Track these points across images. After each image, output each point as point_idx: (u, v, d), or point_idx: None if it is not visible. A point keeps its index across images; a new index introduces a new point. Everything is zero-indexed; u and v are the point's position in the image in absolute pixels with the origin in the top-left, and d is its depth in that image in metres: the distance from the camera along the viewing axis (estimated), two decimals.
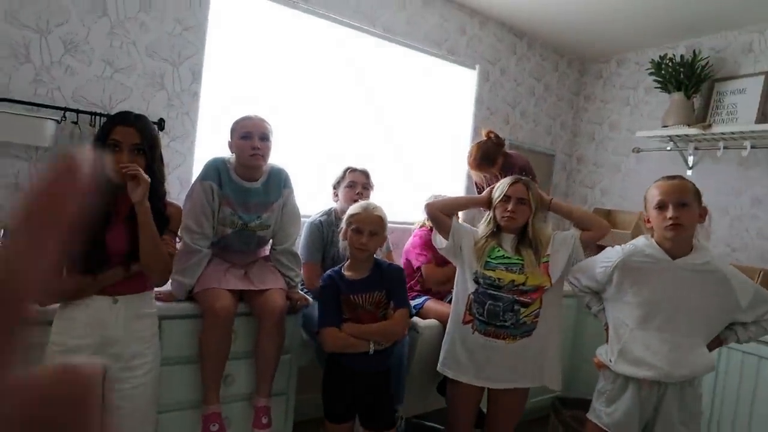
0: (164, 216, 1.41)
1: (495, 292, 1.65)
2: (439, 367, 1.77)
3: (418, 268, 2.27)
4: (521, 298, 1.64)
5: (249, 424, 1.75)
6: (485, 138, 2.28)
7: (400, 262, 2.42)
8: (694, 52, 2.89)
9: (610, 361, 1.53)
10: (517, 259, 1.68)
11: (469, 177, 3.08)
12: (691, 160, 2.98)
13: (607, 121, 3.52)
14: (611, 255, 1.59)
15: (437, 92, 2.98)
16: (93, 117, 1.86)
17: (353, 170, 2.17)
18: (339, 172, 2.20)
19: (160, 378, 1.47)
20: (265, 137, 1.74)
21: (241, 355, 1.73)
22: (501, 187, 1.74)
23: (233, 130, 1.75)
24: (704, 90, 2.91)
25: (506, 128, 3.28)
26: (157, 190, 1.38)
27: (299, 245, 2.09)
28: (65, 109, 1.80)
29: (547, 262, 1.70)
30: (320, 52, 2.51)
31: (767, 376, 1.81)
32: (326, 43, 2.52)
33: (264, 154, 1.74)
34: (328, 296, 1.61)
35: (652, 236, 1.54)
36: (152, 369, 1.41)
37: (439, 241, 1.80)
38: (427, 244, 2.26)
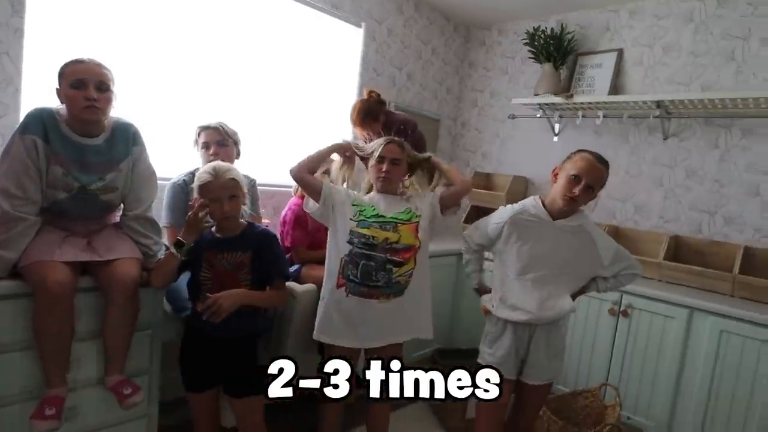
0: None
1: (369, 252, 1.67)
2: (314, 335, 1.77)
3: (289, 247, 2.22)
4: (394, 257, 1.67)
5: (100, 414, 1.59)
6: (367, 96, 2.28)
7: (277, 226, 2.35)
8: (562, 26, 3.12)
9: (493, 306, 1.70)
10: (391, 218, 1.72)
11: (355, 138, 3.07)
12: (557, 127, 3.27)
13: (488, 88, 3.71)
14: (503, 213, 1.73)
15: (322, 49, 2.87)
16: None
17: (205, 128, 2.00)
18: (194, 134, 2.03)
19: None
20: (103, 86, 1.48)
21: (86, 336, 1.54)
22: (374, 147, 1.75)
23: (62, 75, 1.46)
24: (570, 62, 3.18)
25: (393, 90, 3.30)
26: None
27: (163, 207, 1.93)
28: None
29: (417, 222, 1.76)
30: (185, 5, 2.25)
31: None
32: None
33: (102, 107, 1.49)
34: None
35: (540, 197, 1.72)
36: None
37: (311, 205, 1.77)
38: (299, 221, 2.21)
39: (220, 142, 1.99)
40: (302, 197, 2.26)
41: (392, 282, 1.68)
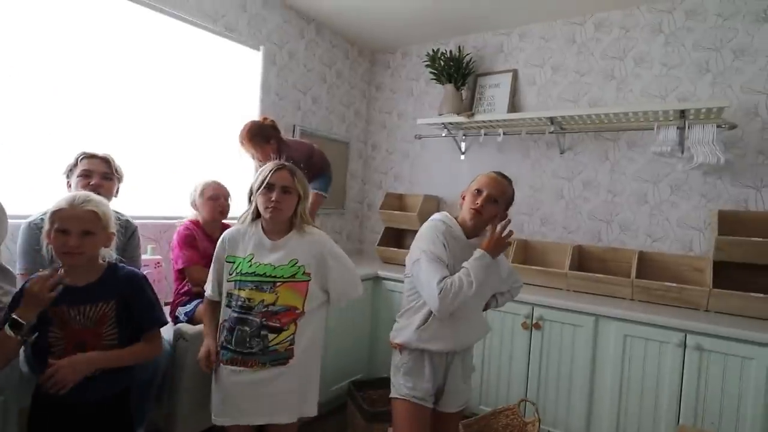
0: None
1: (244, 315, 1.51)
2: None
3: (182, 270, 2.02)
4: (269, 323, 1.50)
5: None
6: (261, 120, 2.25)
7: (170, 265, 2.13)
8: (460, 48, 3.21)
9: (407, 338, 1.57)
10: (269, 275, 1.53)
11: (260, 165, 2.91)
12: (463, 145, 3.32)
13: (395, 109, 3.72)
14: (436, 231, 1.57)
15: (220, 74, 2.70)
16: None
17: (89, 156, 1.81)
18: (72, 159, 1.80)
19: None
20: None
21: None
22: (261, 174, 1.57)
23: None
24: (470, 83, 3.27)
25: (298, 114, 3.19)
26: None
27: (17, 251, 1.67)
28: None
29: (307, 282, 1.57)
30: (64, 14, 2.03)
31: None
32: (71, 5, 2.05)
33: None
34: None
35: (456, 216, 1.65)
36: None
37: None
38: (187, 241, 2.03)
39: (105, 174, 1.81)
40: (192, 221, 2.10)
41: (268, 350, 1.50)
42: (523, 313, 2.42)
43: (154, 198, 2.39)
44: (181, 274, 2.03)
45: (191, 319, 1.93)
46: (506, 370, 2.49)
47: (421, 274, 1.53)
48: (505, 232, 1.55)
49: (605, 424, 2.21)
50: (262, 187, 1.54)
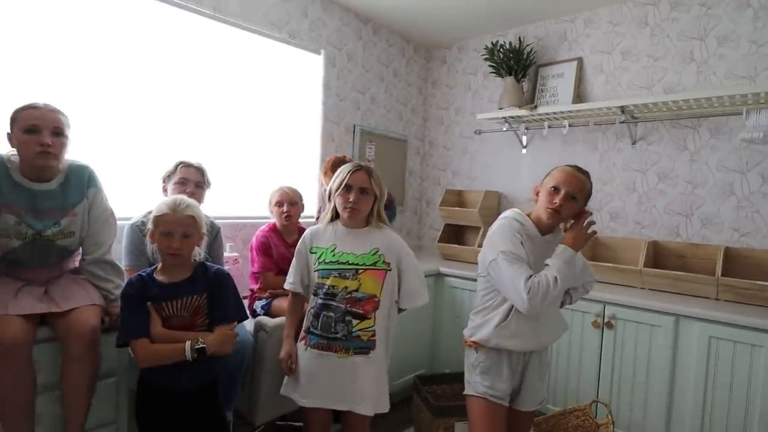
0: None
1: (329, 302, 1.58)
2: (281, 390, 1.67)
3: (257, 273, 2.16)
4: (353, 309, 1.57)
5: None
6: (342, 157, 2.44)
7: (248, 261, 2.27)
8: (520, 39, 3.12)
9: (489, 338, 1.55)
10: (352, 263, 1.60)
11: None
12: (524, 139, 3.23)
13: (453, 105, 3.67)
14: (511, 229, 1.54)
15: (283, 79, 2.80)
16: None
17: (186, 165, 1.95)
18: (170, 166, 1.96)
19: None
20: (58, 132, 1.46)
21: (48, 389, 1.47)
22: (340, 176, 1.62)
23: (14, 120, 1.44)
24: (531, 74, 3.17)
25: (358, 114, 3.24)
26: None
27: (122, 251, 1.84)
28: None
29: (387, 270, 1.62)
30: (141, 30, 2.20)
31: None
32: (153, 21, 2.23)
33: (56, 153, 1.46)
34: (132, 302, 1.40)
35: (529, 213, 1.60)
36: None
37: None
38: (262, 248, 2.18)
39: (198, 183, 1.96)
40: (270, 227, 2.21)
41: (352, 335, 1.57)
42: (593, 311, 2.31)
43: (231, 199, 2.54)
44: (256, 275, 2.18)
45: (267, 312, 2.07)
46: (575, 370, 2.40)
47: (502, 274, 1.49)
48: (591, 230, 1.52)
49: (687, 431, 2.07)
50: (341, 188, 1.60)
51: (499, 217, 1.64)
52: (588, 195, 1.57)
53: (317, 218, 2.54)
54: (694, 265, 2.45)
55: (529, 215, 1.60)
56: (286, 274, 2.11)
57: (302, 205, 2.30)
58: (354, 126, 3.20)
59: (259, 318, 1.98)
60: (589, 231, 1.52)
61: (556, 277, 1.43)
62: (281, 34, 2.73)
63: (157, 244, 1.42)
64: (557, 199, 1.50)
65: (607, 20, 2.91)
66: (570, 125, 2.87)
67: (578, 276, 1.65)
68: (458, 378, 2.60)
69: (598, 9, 2.93)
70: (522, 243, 1.51)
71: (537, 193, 1.60)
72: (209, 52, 2.46)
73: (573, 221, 1.57)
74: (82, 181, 1.59)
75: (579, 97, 2.98)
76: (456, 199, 3.45)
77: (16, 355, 1.33)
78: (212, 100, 2.49)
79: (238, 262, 2.35)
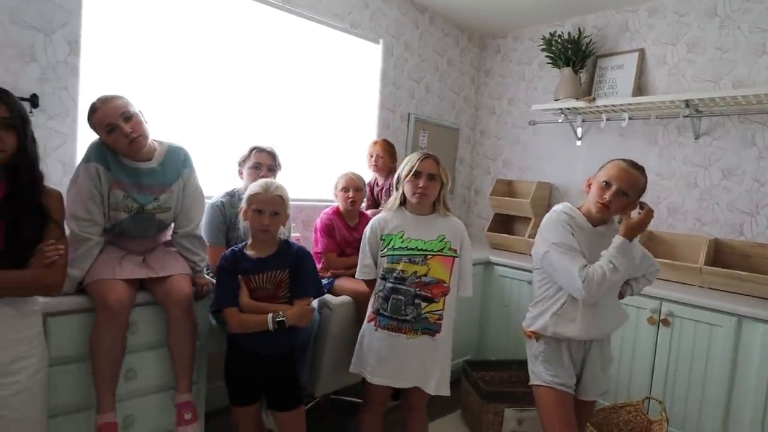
0: (40, 206, 1.26)
1: (399, 285, 1.65)
2: (351, 367, 1.77)
3: (320, 253, 2.26)
4: (422, 292, 1.64)
5: (156, 420, 1.68)
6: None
7: (311, 241, 2.37)
8: (579, 29, 3.07)
9: (543, 326, 1.60)
10: (420, 249, 1.67)
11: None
12: (579, 131, 3.20)
13: (505, 95, 3.66)
14: (560, 222, 1.57)
15: (343, 67, 2.88)
16: None
17: (260, 150, 2.05)
18: (245, 151, 2.07)
19: (48, 380, 1.34)
20: (127, 115, 1.56)
21: (143, 347, 1.64)
22: (409, 163, 1.70)
23: (95, 127, 1.58)
24: (589, 65, 3.12)
25: (412, 103, 3.28)
26: (32, 175, 1.25)
27: (203, 227, 1.96)
28: None
29: (455, 257, 1.70)
30: (218, 22, 2.33)
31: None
32: (224, 12, 2.34)
33: (140, 132, 1.58)
34: (226, 274, 1.56)
35: (580, 206, 1.63)
36: (38, 372, 1.27)
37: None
38: (327, 230, 2.27)
39: (270, 167, 2.06)
40: (334, 210, 2.30)
41: (420, 317, 1.65)
42: (649, 307, 2.31)
43: (292, 181, 2.62)
44: (318, 255, 2.26)
45: (329, 291, 2.16)
46: (627, 365, 2.41)
47: (556, 265, 1.55)
48: (647, 219, 1.52)
49: None
50: (410, 175, 1.67)
51: (550, 211, 1.67)
52: (641, 191, 1.57)
53: (366, 207, 2.61)
54: (759, 265, 2.40)
55: (579, 208, 1.63)
56: (346, 255, 2.24)
57: (366, 191, 2.37)
58: (408, 114, 3.24)
59: (324, 296, 2.05)
60: (646, 222, 1.52)
61: (613, 266, 1.47)
62: (343, 24, 2.79)
63: (249, 221, 1.56)
64: (608, 195, 1.52)
65: (673, 10, 2.83)
66: (629, 118, 2.83)
67: (638, 266, 1.65)
68: (506, 365, 2.67)
69: None
70: (573, 234, 1.55)
71: (589, 185, 1.62)
72: (277, 41, 2.56)
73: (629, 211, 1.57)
74: (178, 161, 1.73)
75: (639, 89, 2.93)
76: (506, 189, 3.46)
77: (119, 315, 1.49)
78: (279, 87, 2.59)
79: (300, 241, 2.45)
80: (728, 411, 2.11)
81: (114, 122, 1.53)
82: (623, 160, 1.59)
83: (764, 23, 2.50)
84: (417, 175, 1.67)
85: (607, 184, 1.53)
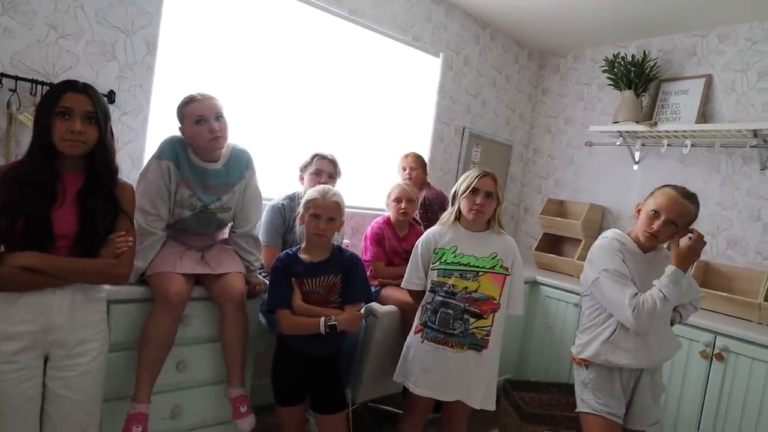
0: (114, 198, 1.32)
1: (448, 300, 1.66)
2: (395, 376, 1.78)
3: (369, 261, 2.29)
4: (471, 308, 1.65)
5: (203, 412, 1.71)
6: None
7: (359, 248, 2.43)
8: (644, 52, 3.03)
9: (596, 353, 1.59)
10: (473, 265, 1.68)
11: (431, 163, 3.12)
12: (637, 155, 3.15)
13: (562, 114, 3.64)
14: (612, 248, 1.58)
15: (402, 79, 2.96)
16: (33, 85, 1.72)
17: (321, 157, 2.11)
18: (307, 157, 2.14)
19: (106, 365, 1.39)
20: (220, 116, 1.66)
21: (195, 341, 1.69)
22: (468, 178, 1.72)
23: (183, 116, 1.64)
24: (652, 89, 3.07)
25: (468, 117, 3.32)
26: (109, 167, 1.31)
27: (261, 227, 2.04)
28: (1, 75, 1.66)
29: (506, 275, 1.70)
30: (285, 30, 2.44)
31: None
32: (292, 21, 2.45)
33: (224, 135, 1.67)
34: (279, 276, 1.59)
35: (629, 231, 1.64)
36: (99, 355, 1.33)
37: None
38: (377, 239, 2.30)
39: (330, 174, 2.10)
40: (385, 219, 2.36)
41: (468, 332, 1.65)
42: (702, 340, 2.24)
43: (344, 188, 2.70)
44: (367, 263, 2.31)
45: (376, 299, 2.18)
46: (675, 398, 2.34)
47: (606, 292, 1.55)
48: (698, 247, 1.51)
49: None
50: (468, 191, 1.69)
51: (599, 237, 1.68)
52: (691, 220, 1.56)
53: (420, 217, 2.66)
54: None
55: (629, 233, 1.63)
56: (394, 265, 2.27)
57: (417, 203, 2.41)
58: (463, 128, 3.29)
59: (371, 304, 2.07)
60: (697, 249, 1.51)
61: (663, 296, 1.47)
62: (406, 36, 2.88)
63: (305, 225, 1.60)
64: (656, 225, 1.52)
65: (745, 37, 2.75)
66: (692, 145, 2.76)
67: (685, 293, 1.64)
68: (547, 387, 2.64)
69: (735, 25, 2.78)
70: (624, 261, 1.55)
71: (639, 211, 1.62)
72: (341, 51, 2.66)
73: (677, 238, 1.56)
74: (242, 163, 1.78)
75: (704, 116, 2.86)
76: (557, 208, 3.43)
77: (177, 307, 1.54)
78: (341, 95, 2.69)
79: (348, 248, 2.52)
80: None
81: (206, 115, 1.61)
82: (674, 187, 1.58)
83: None
84: (474, 191, 1.69)
85: (656, 213, 1.54)
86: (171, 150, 1.65)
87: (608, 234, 1.66)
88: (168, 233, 1.71)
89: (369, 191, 2.83)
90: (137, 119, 2.02)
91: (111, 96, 1.90)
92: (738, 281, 2.59)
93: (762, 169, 2.64)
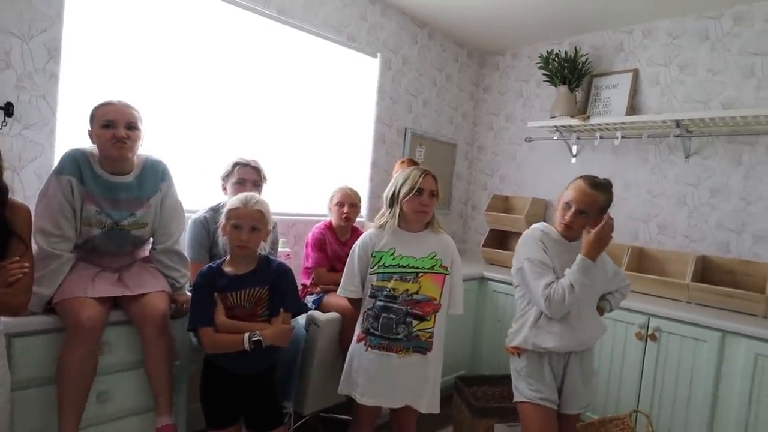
0: (4, 220, 1.19)
1: (390, 304, 1.63)
2: (339, 388, 1.73)
3: (310, 268, 2.26)
4: (414, 310, 1.63)
5: None
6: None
7: (300, 257, 2.38)
8: (575, 48, 3.14)
9: (525, 341, 1.64)
10: (412, 267, 1.65)
11: (373, 166, 3.12)
12: (574, 149, 3.25)
13: (503, 111, 3.73)
14: (533, 238, 1.66)
15: (339, 80, 2.93)
16: None
17: (243, 165, 2.01)
18: (228, 166, 2.03)
19: (11, 405, 1.26)
20: (132, 126, 1.55)
21: (118, 368, 1.58)
22: (410, 179, 1.66)
23: (93, 117, 1.55)
24: (585, 84, 3.19)
25: (409, 117, 3.34)
26: None
27: (186, 243, 1.95)
28: None
29: (446, 275, 1.69)
30: (210, 32, 2.34)
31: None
32: (215, 22, 2.35)
33: (131, 145, 1.56)
34: (201, 292, 1.51)
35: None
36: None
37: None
38: (318, 244, 2.26)
39: (255, 182, 2.01)
40: (326, 224, 2.32)
41: (412, 335, 1.63)
42: (637, 322, 2.34)
43: (283, 195, 2.64)
44: (309, 270, 2.28)
45: (318, 306, 2.15)
46: (616, 379, 2.43)
47: (528, 280, 1.63)
48: (603, 233, 1.57)
49: None
50: (413, 192, 1.65)
51: (528, 228, 1.76)
52: (603, 208, 1.63)
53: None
54: (744, 282, 2.43)
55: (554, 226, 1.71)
56: (336, 271, 2.20)
57: (360, 207, 2.37)
58: (405, 129, 3.31)
59: (311, 312, 2.05)
60: (603, 236, 1.57)
61: (571, 285, 1.55)
62: (341, 37, 2.86)
63: (228, 236, 1.51)
64: (568, 216, 1.63)
65: (667, 32, 2.90)
66: (622, 137, 2.88)
67: (610, 280, 1.73)
68: (498, 380, 2.68)
69: (658, 21, 2.93)
70: (545, 250, 1.63)
71: (559, 202, 1.70)
72: (270, 52, 2.58)
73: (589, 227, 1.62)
74: (156, 174, 1.67)
75: (633, 108, 2.99)
76: (502, 204, 3.50)
77: (91, 334, 1.42)
78: (271, 98, 2.61)
79: (290, 257, 2.46)
80: (712, 424, 2.13)
81: (116, 120, 1.52)
82: (585, 178, 1.65)
83: (753, 47, 2.57)
84: (420, 192, 1.65)
85: (568, 205, 1.63)
86: (72, 164, 1.53)
87: (535, 225, 1.75)
88: (77, 255, 1.59)
89: (311, 197, 2.79)
90: (42, 133, 1.85)
91: (9, 108, 1.73)
92: (669, 264, 2.72)
93: (686, 157, 2.78)
